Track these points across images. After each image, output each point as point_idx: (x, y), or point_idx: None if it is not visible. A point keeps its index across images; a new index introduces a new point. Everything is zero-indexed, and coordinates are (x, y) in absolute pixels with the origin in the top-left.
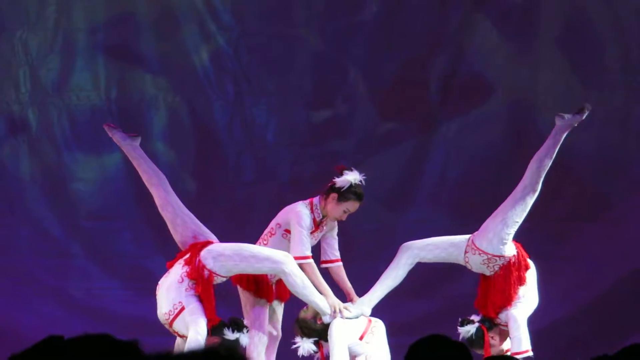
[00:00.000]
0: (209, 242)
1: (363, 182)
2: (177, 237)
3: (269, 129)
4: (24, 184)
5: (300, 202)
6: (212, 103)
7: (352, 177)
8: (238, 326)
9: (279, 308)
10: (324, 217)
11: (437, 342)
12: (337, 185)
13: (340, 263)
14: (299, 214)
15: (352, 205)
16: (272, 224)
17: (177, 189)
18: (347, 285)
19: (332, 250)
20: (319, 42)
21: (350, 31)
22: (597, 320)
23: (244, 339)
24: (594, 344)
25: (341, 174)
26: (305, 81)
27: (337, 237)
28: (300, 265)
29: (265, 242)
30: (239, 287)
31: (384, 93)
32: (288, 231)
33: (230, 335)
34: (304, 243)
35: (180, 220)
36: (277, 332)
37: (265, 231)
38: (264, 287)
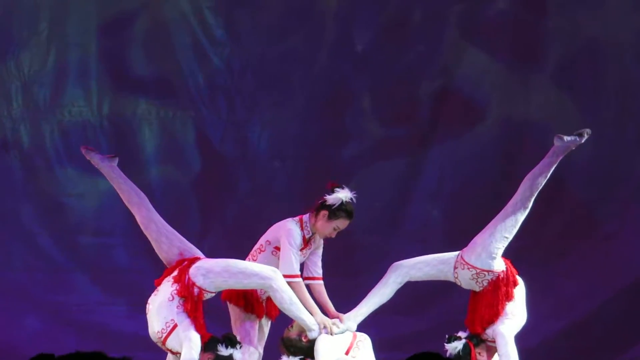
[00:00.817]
0: (196, 259)
1: (354, 199)
2: (162, 255)
3: (261, 143)
4: (16, 200)
5: (290, 220)
6: (205, 118)
7: (343, 194)
8: (232, 342)
9: (266, 327)
10: (313, 234)
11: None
12: (328, 202)
13: (322, 282)
14: (289, 231)
15: (342, 223)
16: (262, 240)
17: (168, 204)
18: (328, 303)
19: (315, 267)
20: (312, 57)
21: (344, 46)
22: (593, 336)
23: (237, 355)
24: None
25: (332, 192)
26: (298, 96)
27: (321, 255)
28: (289, 284)
29: (254, 259)
30: (228, 303)
31: (378, 108)
32: (278, 248)
33: (223, 351)
34: (292, 262)
35: (164, 238)
36: (260, 351)
37: (255, 248)
38: (254, 303)
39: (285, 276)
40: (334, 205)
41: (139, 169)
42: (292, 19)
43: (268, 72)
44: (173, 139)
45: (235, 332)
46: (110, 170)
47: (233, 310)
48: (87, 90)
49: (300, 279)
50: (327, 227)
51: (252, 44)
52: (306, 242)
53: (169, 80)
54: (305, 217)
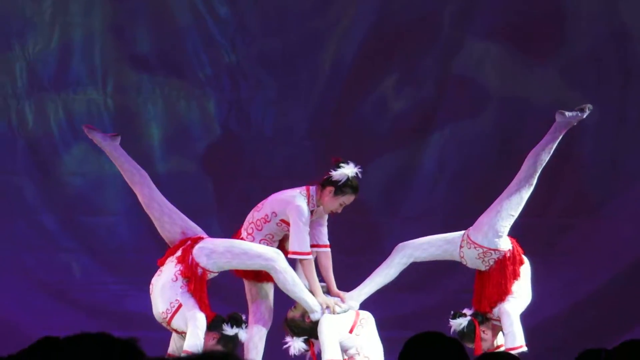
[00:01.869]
0: (199, 238)
1: (359, 174)
2: (164, 234)
3: (265, 123)
4: (20, 179)
5: (298, 193)
6: (209, 97)
7: (348, 170)
8: (237, 322)
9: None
10: (318, 207)
11: (432, 339)
12: (334, 178)
13: (329, 250)
14: (299, 209)
15: (348, 199)
16: (267, 210)
17: (172, 183)
18: (330, 275)
19: (321, 235)
20: (317, 35)
21: (350, 24)
22: (596, 315)
23: (242, 334)
24: (593, 339)
25: (337, 167)
26: (302, 75)
27: (325, 224)
28: (301, 261)
29: (258, 229)
30: (244, 280)
31: (382, 89)
32: (284, 221)
33: (229, 330)
34: (305, 239)
35: (167, 217)
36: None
37: (258, 216)
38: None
39: (297, 253)
40: (340, 181)
41: (143, 147)
42: None
43: (272, 50)
44: (177, 117)
45: (249, 300)
46: (113, 149)
47: (249, 287)
48: (92, 69)
49: (311, 257)
50: (334, 202)
51: (256, 22)
52: (311, 215)
53: (173, 59)
54: (312, 190)
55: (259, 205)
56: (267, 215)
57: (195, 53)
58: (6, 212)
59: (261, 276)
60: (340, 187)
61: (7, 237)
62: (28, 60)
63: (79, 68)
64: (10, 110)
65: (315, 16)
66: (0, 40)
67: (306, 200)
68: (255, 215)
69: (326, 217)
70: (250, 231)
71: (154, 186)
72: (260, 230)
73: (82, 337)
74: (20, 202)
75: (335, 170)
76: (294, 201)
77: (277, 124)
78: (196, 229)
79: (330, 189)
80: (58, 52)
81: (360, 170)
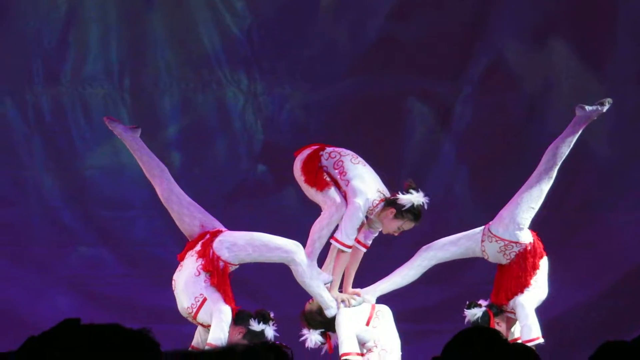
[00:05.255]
0: (218, 231)
1: (426, 205)
2: (183, 227)
3: (282, 115)
4: (37, 174)
5: (370, 197)
6: (226, 90)
7: (415, 197)
8: (264, 318)
9: None
10: (374, 220)
11: (482, 334)
12: (399, 202)
13: (364, 250)
14: (357, 209)
15: (407, 225)
16: (348, 175)
17: (188, 176)
18: (353, 272)
19: (367, 236)
20: (332, 30)
21: (364, 15)
22: (613, 308)
23: (269, 331)
24: (610, 331)
25: (407, 191)
26: (318, 68)
27: (377, 232)
28: (338, 251)
29: (335, 167)
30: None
31: (401, 79)
32: (346, 194)
33: (256, 326)
34: (352, 233)
35: (185, 210)
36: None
37: (345, 166)
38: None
39: (339, 242)
40: (404, 206)
41: (160, 141)
42: None
43: (288, 44)
44: (194, 111)
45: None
46: (133, 142)
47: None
48: (108, 63)
49: (349, 252)
50: (392, 224)
51: (272, 15)
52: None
53: (189, 53)
54: (381, 204)
55: (357, 159)
56: (346, 174)
57: (212, 46)
58: (24, 207)
59: (319, 185)
60: (402, 212)
61: (26, 232)
62: (44, 55)
63: (95, 63)
64: (27, 106)
65: (330, 7)
66: (16, 36)
67: (370, 206)
68: (347, 163)
69: (379, 228)
70: (334, 157)
71: (172, 179)
72: (335, 169)
73: (91, 328)
74: (38, 197)
75: (403, 194)
76: (358, 200)
77: (293, 116)
78: (214, 222)
79: (392, 210)
80: (74, 47)
81: (427, 200)
